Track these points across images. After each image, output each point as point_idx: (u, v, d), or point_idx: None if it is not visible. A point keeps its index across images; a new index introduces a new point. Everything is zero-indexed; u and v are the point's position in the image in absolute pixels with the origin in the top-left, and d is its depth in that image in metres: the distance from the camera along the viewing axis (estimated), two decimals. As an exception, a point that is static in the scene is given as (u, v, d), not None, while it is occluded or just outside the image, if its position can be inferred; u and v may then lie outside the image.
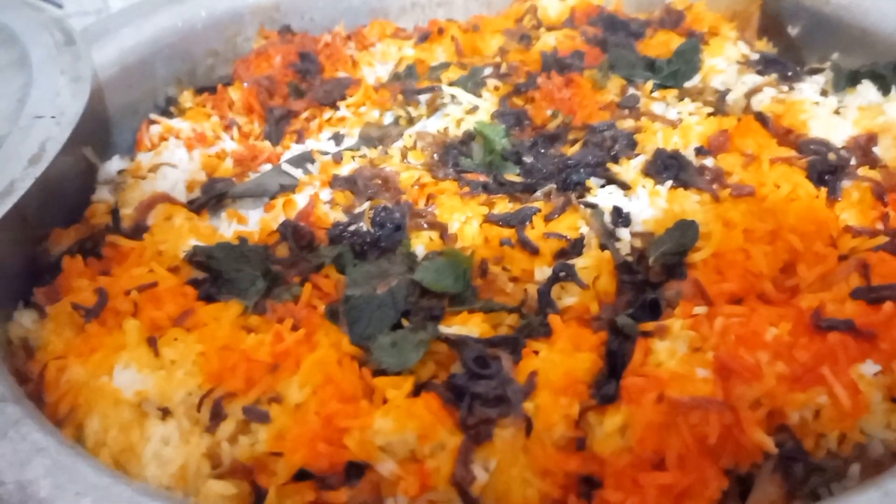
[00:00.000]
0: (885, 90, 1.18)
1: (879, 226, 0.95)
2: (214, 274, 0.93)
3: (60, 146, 0.90)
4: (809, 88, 1.18)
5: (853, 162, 1.03)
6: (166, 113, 1.36)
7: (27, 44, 1.06)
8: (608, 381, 0.77)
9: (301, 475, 0.74)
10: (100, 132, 1.25)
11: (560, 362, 0.78)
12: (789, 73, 1.23)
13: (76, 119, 0.95)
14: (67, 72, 1.02)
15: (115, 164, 1.20)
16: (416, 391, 0.78)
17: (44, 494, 0.65)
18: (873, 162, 1.04)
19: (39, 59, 1.03)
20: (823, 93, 1.19)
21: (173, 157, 1.17)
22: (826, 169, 1.00)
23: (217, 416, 0.77)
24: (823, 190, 0.97)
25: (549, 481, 0.71)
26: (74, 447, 0.72)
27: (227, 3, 1.47)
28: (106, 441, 0.76)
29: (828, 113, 1.12)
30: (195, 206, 1.07)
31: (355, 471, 0.74)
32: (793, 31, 1.39)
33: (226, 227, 1.04)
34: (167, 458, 0.75)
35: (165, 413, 0.79)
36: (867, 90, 1.18)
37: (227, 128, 1.29)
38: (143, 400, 0.79)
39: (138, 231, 1.03)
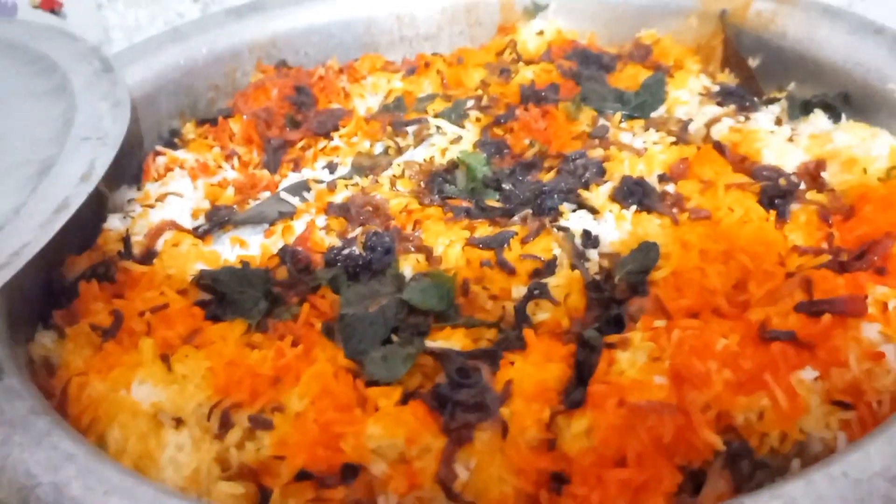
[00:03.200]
0: (836, 118, 1.24)
1: (824, 245, 1.00)
2: (220, 296, 0.98)
3: (108, 164, 0.95)
4: (765, 118, 1.24)
5: (802, 186, 1.09)
6: (170, 144, 1.41)
7: (67, 71, 1.11)
8: (576, 389, 0.81)
9: (302, 476, 0.77)
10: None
11: (533, 372, 0.82)
12: (747, 104, 1.29)
13: (120, 141, 1.00)
14: (108, 97, 1.07)
15: (124, 194, 1.25)
16: (405, 400, 0.81)
17: (75, 493, 0.69)
18: (821, 186, 1.09)
19: (80, 86, 1.08)
20: (778, 122, 1.24)
21: (179, 187, 1.22)
22: (776, 193, 1.05)
23: (225, 424, 0.81)
24: (773, 213, 1.02)
25: (523, 478, 0.75)
26: (100, 453, 0.77)
27: (226, 40, 1.52)
28: (126, 448, 0.80)
29: (781, 141, 1.17)
30: (200, 233, 1.12)
31: (350, 471, 0.77)
32: (753, 62, 1.46)
33: (229, 252, 1.08)
34: (181, 462, 0.79)
35: (179, 423, 0.83)
36: (818, 119, 1.23)
37: (228, 158, 1.34)
38: (159, 411, 0.83)
39: (148, 257, 1.08)
